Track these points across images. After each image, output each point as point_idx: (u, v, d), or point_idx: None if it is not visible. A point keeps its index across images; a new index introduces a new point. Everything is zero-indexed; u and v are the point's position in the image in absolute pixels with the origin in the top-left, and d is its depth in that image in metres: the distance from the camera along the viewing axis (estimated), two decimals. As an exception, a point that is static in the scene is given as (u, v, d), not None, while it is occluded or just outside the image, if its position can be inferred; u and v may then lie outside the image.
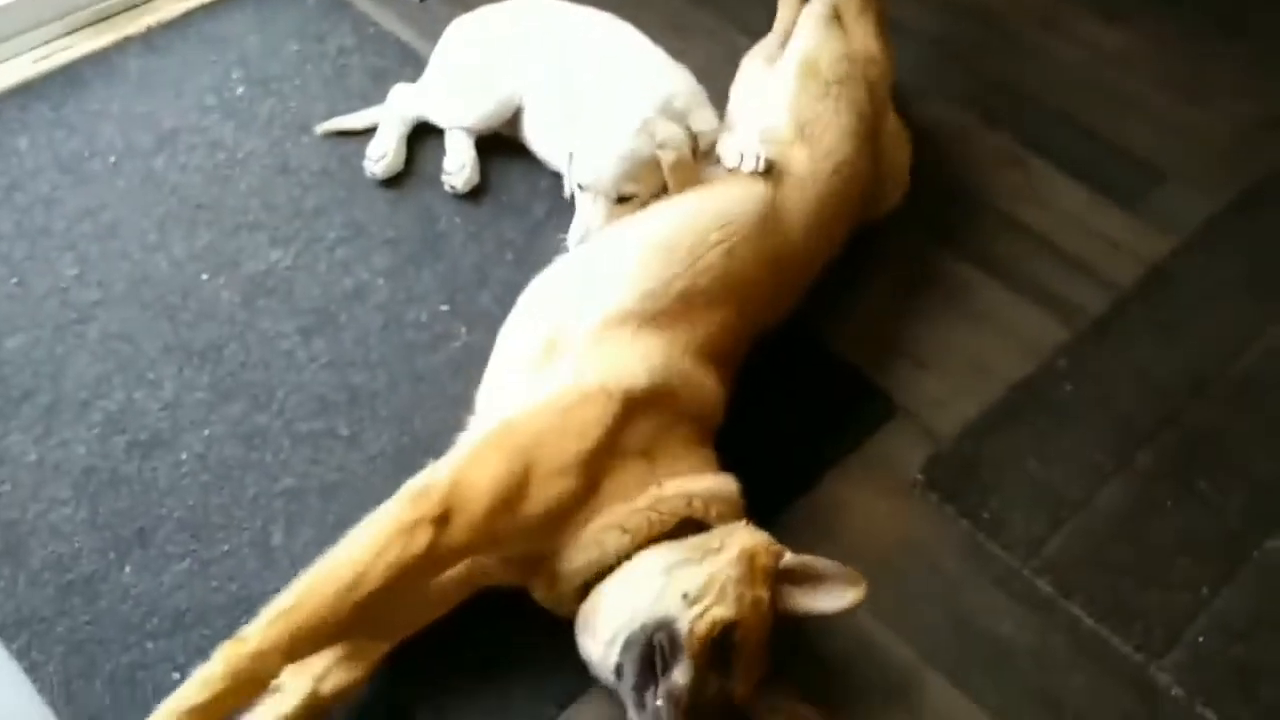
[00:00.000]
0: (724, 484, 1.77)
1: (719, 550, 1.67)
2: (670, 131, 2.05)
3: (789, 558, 1.69)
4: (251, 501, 1.91)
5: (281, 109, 2.50)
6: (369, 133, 2.45)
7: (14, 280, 2.18)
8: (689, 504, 1.71)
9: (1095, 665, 1.84)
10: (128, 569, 1.83)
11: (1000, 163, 2.56)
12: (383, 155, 2.37)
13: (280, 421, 2.01)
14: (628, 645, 1.61)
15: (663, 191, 2.07)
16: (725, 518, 1.74)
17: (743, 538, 1.69)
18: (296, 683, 1.63)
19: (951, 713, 1.78)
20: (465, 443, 1.74)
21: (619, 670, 1.61)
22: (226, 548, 1.86)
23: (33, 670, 1.73)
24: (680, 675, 1.57)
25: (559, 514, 1.68)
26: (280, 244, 2.27)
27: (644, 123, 2.03)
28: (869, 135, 2.20)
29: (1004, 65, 2.77)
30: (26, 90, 2.51)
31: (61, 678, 1.72)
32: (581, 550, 1.69)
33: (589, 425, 1.70)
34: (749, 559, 1.66)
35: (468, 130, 2.40)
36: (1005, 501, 1.99)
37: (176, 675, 1.71)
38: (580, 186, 2.08)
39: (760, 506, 1.93)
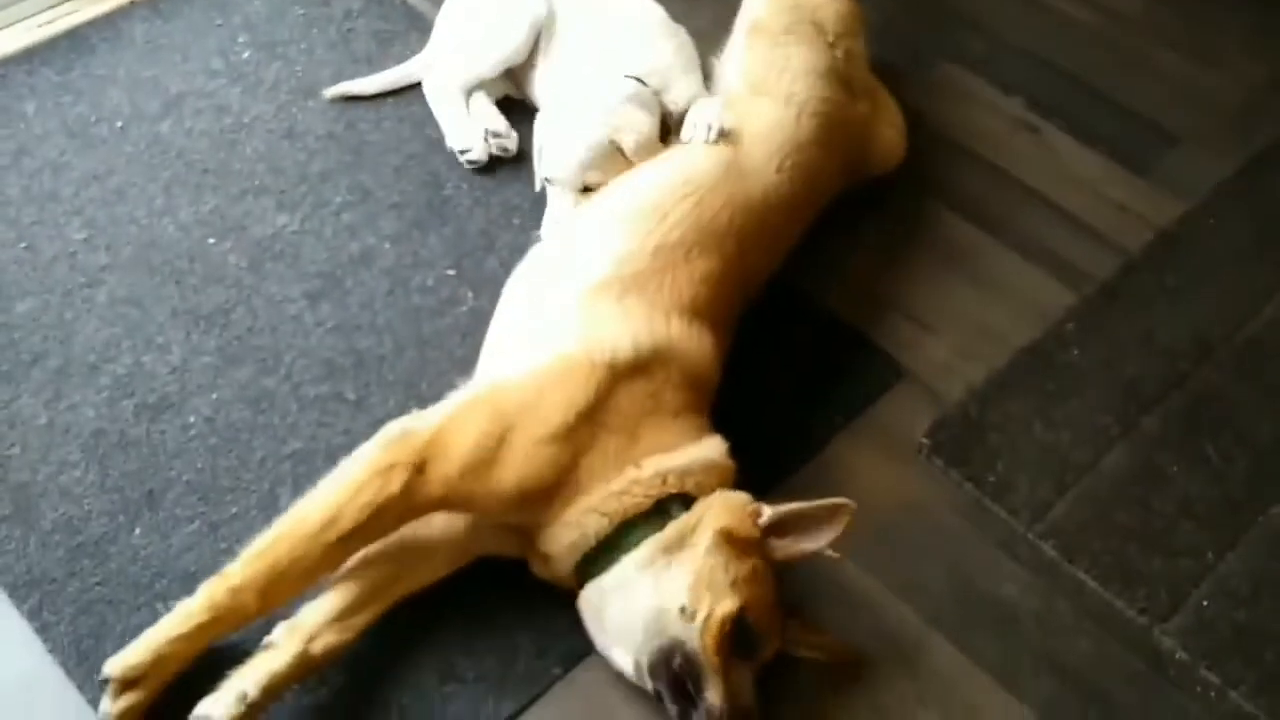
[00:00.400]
0: (706, 451, 1.76)
1: (694, 531, 1.66)
2: (632, 119, 2.08)
3: (768, 515, 1.69)
4: (259, 464, 1.93)
5: (287, 73, 2.49)
6: (377, 97, 2.45)
7: (23, 245, 2.19)
8: (663, 482, 1.71)
9: (1099, 629, 1.85)
10: (137, 531, 1.85)
11: (1011, 127, 2.54)
12: (467, 147, 2.32)
13: (288, 385, 2.02)
14: (653, 673, 1.62)
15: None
16: (706, 488, 1.73)
17: (715, 518, 1.67)
18: (288, 642, 1.66)
19: (955, 675, 1.79)
20: (452, 399, 1.75)
21: (659, 697, 1.63)
22: (235, 510, 1.87)
23: (44, 631, 1.75)
24: (713, 695, 1.58)
25: (537, 483, 1.68)
26: (287, 209, 2.27)
27: (605, 115, 2.07)
28: (835, 73, 2.19)
29: (1014, 28, 2.75)
30: (32, 55, 2.51)
31: (72, 638, 1.74)
32: (564, 530, 1.70)
33: (572, 396, 1.71)
34: (726, 539, 1.65)
35: (489, 84, 2.40)
36: (1010, 466, 1.99)
37: (186, 634, 1.74)
38: (548, 180, 2.11)
39: (766, 472, 1.94)
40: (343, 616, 1.69)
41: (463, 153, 2.33)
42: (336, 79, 2.47)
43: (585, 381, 1.72)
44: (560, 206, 2.10)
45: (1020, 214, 2.38)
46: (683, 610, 1.61)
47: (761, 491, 1.91)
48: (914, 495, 1.98)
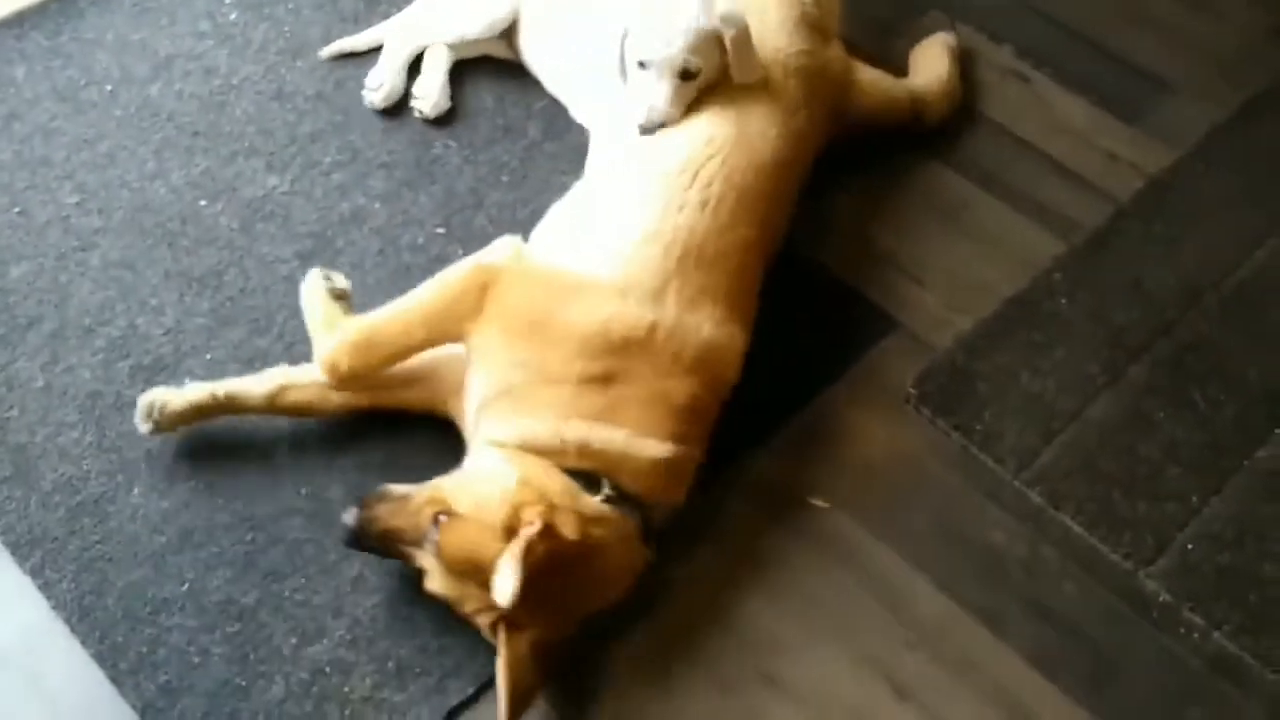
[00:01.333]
0: (648, 448, 1.74)
1: (534, 477, 1.67)
2: (730, 6, 2.02)
3: (517, 544, 1.56)
4: (254, 423, 1.94)
5: (275, 34, 2.49)
6: (370, 54, 2.44)
7: (16, 210, 2.20)
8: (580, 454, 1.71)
9: (1085, 573, 1.87)
10: (136, 490, 1.88)
11: (1001, 76, 2.53)
12: (380, 84, 2.36)
13: (280, 345, 2.04)
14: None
15: (724, 73, 2.03)
16: (605, 472, 1.71)
17: (550, 483, 1.66)
18: (272, 380, 1.90)
19: (942, 620, 1.82)
20: (550, 259, 1.87)
21: None
22: (231, 467, 1.90)
23: (47, 588, 1.78)
24: (379, 507, 1.69)
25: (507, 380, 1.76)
26: (277, 170, 2.28)
27: (707, 5, 1.99)
28: (807, 20, 2.16)
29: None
30: (21, 20, 2.50)
31: (74, 594, 1.77)
32: (494, 423, 1.76)
33: (602, 351, 1.76)
34: (519, 501, 1.62)
35: (454, 49, 2.39)
36: (998, 415, 2.00)
37: (184, 588, 1.78)
38: (641, 64, 2.02)
39: (757, 422, 1.97)
40: (324, 389, 1.89)
41: (363, 89, 2.36)
42: (325, 38, 2.47)
43: (624, 340, 1.76)
44: (658, 92, 1.99)
45: (1010, 164, 2.37)
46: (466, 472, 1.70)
47: (755, 442, 1.97)
48: (902, 445, 2.00)
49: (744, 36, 2.02)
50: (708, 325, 1.82)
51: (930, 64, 2.43)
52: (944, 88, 2.40)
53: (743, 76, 2.04)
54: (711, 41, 2.00)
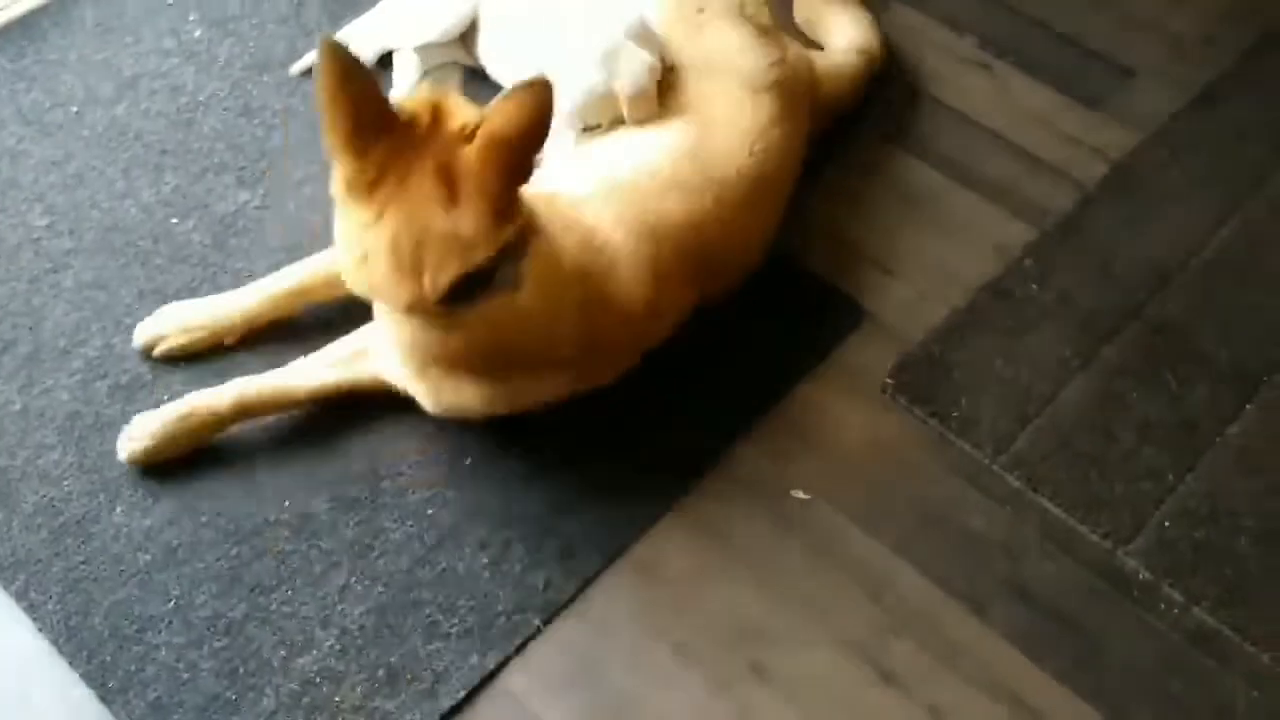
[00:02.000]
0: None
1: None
2: (633, 62, 2.00)
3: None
4: (234, 437, 1.95)
5: (240, 49, 2.49)
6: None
7: (-15, 234, 2.20)
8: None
9: (1064, 554, 1.90)
10: (118, 509, 1.87)
11: (965, 67, 2.56)
12: None
13: (258, 359, 2.02)
14: None
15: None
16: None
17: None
18: (232, 389, 1.92)
19: (925, 606, 1.84)
20: None
21: None
22: (213, 483, 1.90)
23: (32, 610, 1.78)
24: None
25: None
26: (248, 185, 2.27)
27: (605, 55, 2.00)
28: (759, 28, 2.16)
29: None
30: (-15, 44, 2.50)
31: (60, 615, 1.77)
32: None
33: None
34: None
35: (423, 55, 2.40)
36: (973, 401, 2.03)
37: (171, 604, 1.78)
38: None
39: (735, 416, 1.98)
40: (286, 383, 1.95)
41: None
42: (289, 53, 2.47)
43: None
44: (557, 148, 2.02)
45: (975, 152, 2.40)
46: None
47: (729, 437, 1.98)
48: (880, 434, 2.02)
49: (639, 95, 2.00)
50: (621, 236, 1.85)
51: (840, 22, 2.42)
52: (869, 36, 2.41)
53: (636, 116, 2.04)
54: (608, 100, 2.01)
